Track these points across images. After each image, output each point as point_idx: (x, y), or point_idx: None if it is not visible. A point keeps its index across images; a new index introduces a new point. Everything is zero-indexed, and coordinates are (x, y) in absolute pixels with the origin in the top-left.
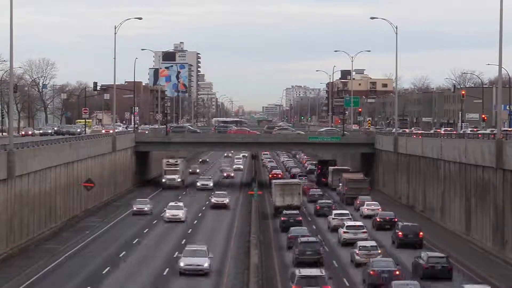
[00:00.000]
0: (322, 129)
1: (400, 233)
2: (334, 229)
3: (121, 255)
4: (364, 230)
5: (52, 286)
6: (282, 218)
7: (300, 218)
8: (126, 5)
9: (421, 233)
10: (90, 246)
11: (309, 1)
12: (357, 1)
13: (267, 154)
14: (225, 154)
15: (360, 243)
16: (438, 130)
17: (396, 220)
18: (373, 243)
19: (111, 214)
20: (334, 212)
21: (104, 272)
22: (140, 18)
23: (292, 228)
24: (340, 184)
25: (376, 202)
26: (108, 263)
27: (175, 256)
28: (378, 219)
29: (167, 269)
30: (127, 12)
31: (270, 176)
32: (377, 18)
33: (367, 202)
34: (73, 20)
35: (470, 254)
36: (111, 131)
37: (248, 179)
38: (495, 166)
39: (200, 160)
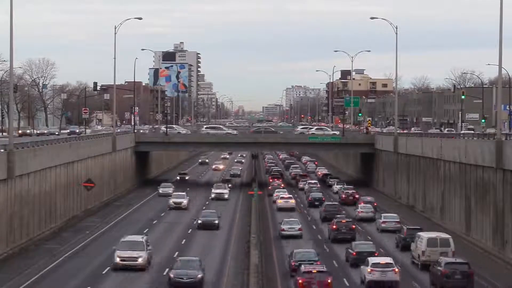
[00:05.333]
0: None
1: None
2: None
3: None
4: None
5: (52, 286)
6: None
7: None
8: (129, 4)
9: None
10: (90, 246)
11: (309, 0)
12: (358, 0)
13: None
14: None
15: None
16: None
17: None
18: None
19: (111, 214)
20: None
21: (104, 272)
22: (140, 18)
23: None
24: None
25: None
26: (108, 263)
27: (175, 256)
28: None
29: (167, 269)
30: (128, 12)
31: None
32: (377, 18)
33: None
34: (73, 19)
35: (470, 254)
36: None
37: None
38: (495, 166)
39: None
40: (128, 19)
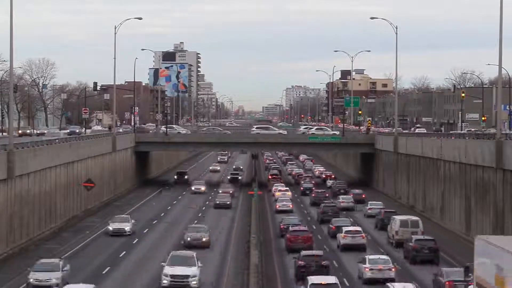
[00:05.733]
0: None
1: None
2: None
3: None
4: None
5: None
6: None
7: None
8: (129, 4)
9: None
10: (90, 246)
11: (309, 0)
12: (358, 0)
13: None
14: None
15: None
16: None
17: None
18: None
19: (111, 214)
20: None
21: (104, 272)
22: (140, 18)
23: None
24: None
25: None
26: (108, 263)
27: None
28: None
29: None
30: (128, 12)
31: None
32: (377, 18)
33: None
34: (73, 19)
35: (470, 254)
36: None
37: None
38: (495, 166)
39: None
40: (128, 19)
